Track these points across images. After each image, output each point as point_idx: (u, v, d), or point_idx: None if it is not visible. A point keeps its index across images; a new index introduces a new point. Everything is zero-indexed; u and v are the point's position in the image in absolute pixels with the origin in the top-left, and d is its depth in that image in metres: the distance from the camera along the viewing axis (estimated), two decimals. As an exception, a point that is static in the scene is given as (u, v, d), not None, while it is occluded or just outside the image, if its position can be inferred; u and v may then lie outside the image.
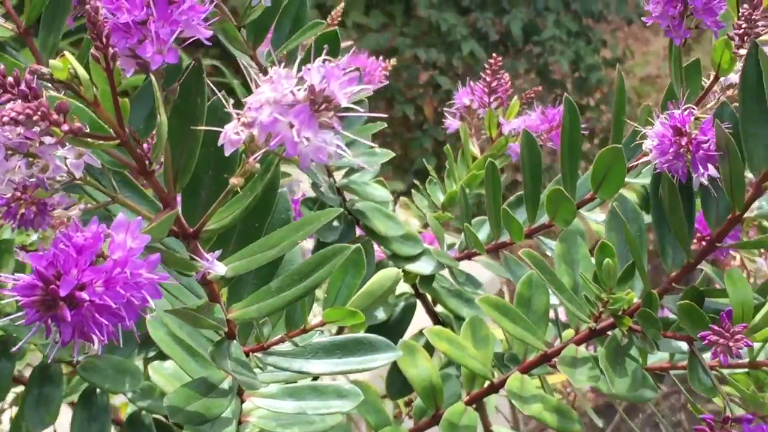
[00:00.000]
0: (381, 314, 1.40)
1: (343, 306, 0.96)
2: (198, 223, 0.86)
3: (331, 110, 0.77)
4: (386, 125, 1.36)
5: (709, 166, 1.07)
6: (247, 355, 0.99)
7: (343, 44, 1.63)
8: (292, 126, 0.75)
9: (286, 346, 0.99)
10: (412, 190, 1.64)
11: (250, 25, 1.28)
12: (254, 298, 0.93)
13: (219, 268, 0.87)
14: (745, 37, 1.12)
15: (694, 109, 1.10)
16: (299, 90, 0.76)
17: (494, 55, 1.66)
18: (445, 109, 1.69)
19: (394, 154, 1.37)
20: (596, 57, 6.30)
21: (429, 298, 1.49)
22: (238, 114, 0.77)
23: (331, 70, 0.76)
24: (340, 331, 1.22)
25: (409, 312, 1.47)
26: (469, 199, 1.47)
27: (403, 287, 1.49)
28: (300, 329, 0.98)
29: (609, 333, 1.19)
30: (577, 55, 6.17)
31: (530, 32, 6.21)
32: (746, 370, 1.30)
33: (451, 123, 1.68)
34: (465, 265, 1.45)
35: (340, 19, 1.59)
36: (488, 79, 1.63)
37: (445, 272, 1.44)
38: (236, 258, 0.89)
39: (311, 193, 1.45)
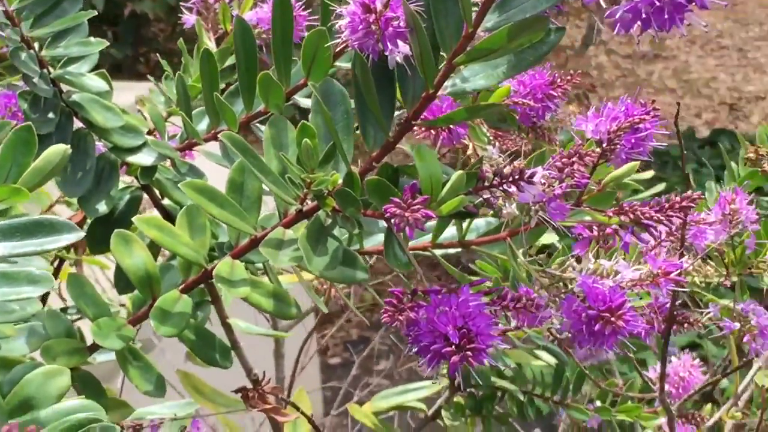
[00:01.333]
0: (103, 207, 1.37)
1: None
2: None
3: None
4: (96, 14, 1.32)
5: (401, 43, 1.08)
6: None
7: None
8: None
9: (-40, 230, 0.97)
10: (149, 87, 1.61)
11: None
12: None
13: None
14: None
15: (387, -13, 1.10)
16: None
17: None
18: (181, 3, 1.67)
19: (108, 43, 1.35)
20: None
21: (156, 191, 1.48)
22: None
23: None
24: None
25: (134, 205, 1.45)
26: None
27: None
28: (-32, 211, 0.96)
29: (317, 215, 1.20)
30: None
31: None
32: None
33: (188, 18, 1.65)
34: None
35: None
36: (221, -29, 1.61)
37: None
38: None
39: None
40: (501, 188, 1.08)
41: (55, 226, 0.99)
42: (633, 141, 1.24)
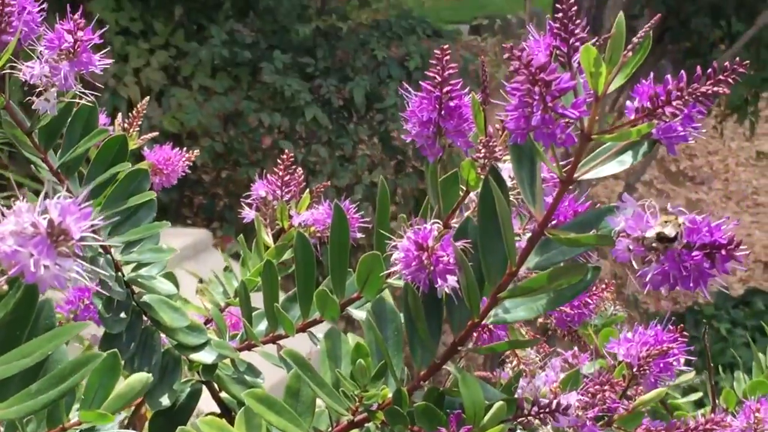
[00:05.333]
0: (166, 401, 1.47)
1: (98, 408, 1.04)
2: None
3: (69, 241, 0.86)
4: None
5: (450, 277, 1.18)
6: (11, 451, 1.06)
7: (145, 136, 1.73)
8: (32, 255, 0.84)
9: (48, 444, 1.07)
10: (210, 277, 1.72)
11: (41, 130, 1.37)
12: (15, 400, 1.00)
13: (-23, 376, 0.94)
14: (485, 161, 1.25)
15: (439, 223, 1.21)
16: (43, 220, 0.85)
17: (286, 151, 1.77)
18: (242, 200, 1.79)
19: (178, 250, 1.46)
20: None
21: (215, 384, 1.58)
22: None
23: (68, 207, 0.85)
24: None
25: (194, 397, 1.55)
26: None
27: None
28: (59, 428, 1.06)
29: (366, 425, 1.29)
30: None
31: (373, 99, 6.38)
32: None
33: (248, 213, 1.77)
34: (247, 355, 1.55)
35: (142, 117, 1.67)
36: (281, 173, 1.73)
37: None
38: (-4, 365, 0.97)
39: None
40: (538, 417, 1.18)
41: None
42: (662, 365, 1.33)
